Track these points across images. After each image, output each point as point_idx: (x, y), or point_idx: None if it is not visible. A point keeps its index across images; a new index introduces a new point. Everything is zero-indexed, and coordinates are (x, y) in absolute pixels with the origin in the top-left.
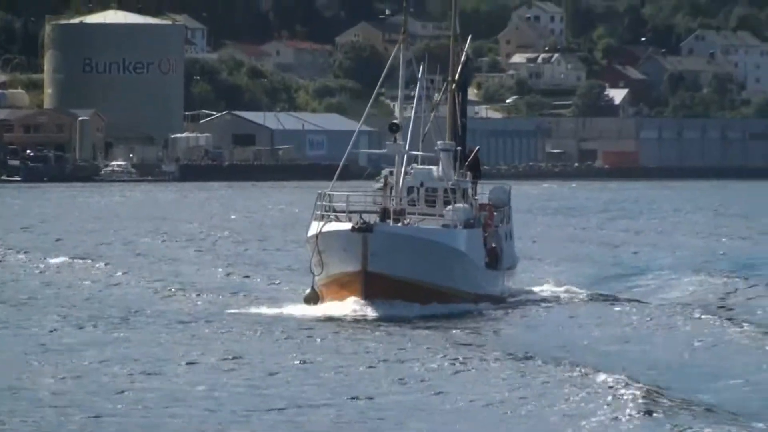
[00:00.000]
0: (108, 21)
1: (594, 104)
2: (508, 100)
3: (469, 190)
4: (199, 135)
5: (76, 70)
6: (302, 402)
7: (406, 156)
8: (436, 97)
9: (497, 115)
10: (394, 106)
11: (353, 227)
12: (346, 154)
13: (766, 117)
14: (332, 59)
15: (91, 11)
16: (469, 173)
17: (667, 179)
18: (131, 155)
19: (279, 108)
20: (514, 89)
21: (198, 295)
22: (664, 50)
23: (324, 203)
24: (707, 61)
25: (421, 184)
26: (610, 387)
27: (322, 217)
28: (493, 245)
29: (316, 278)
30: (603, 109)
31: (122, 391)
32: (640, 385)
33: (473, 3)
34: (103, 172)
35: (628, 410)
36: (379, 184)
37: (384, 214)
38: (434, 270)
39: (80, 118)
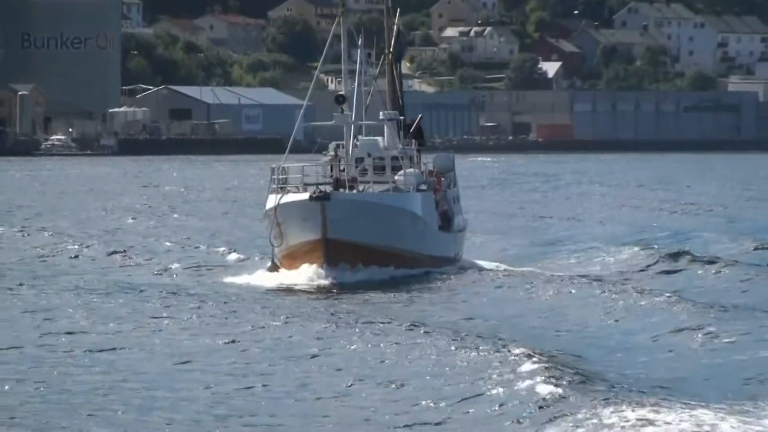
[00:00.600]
0: None
1: (527, 78)
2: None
3: (415, 158)
4: (136, 109)
5: (14, 46)
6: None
7: (353, 126)
8: (372, 70)
9: (430, 89)
10: (328, 80)
11: (311, 196)
12: (296, 127)
13: (700, 89)
14: (265, 33)
15: None
16: (413, 141)
17: (601, 152)
18: (71, 129)
19: (215, 83)
20: (447, 63)
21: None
22: (596, 23)
23: (279, 176)
24: (640, 33)
25: (368, 155)
26: (510, 358)
27: (278, 190)
28: (445, 208)
29: (276, 250)
30: (536, 82)
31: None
32: (542, 356)
33: None
34: (43, 146)
35: (527, 382)
36: (328, 157)
37: (337, 183)
38: (392, 233)
39: (20, 93)
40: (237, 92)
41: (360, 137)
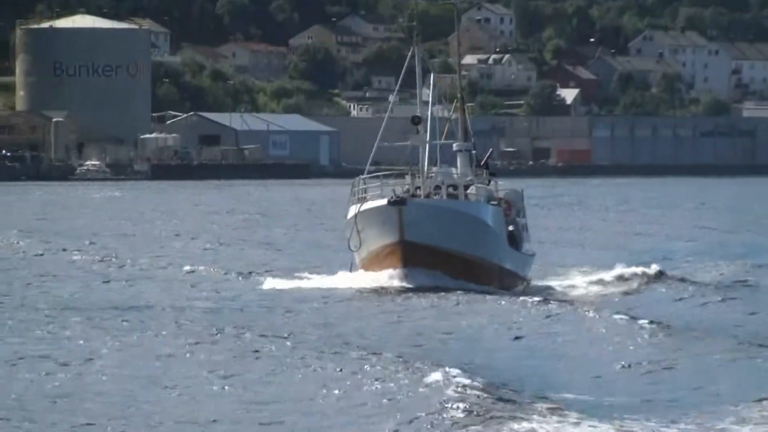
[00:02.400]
0: (77, 26)
1: (546, 104)
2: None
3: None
4: (167, 135)
5: (47, 74)
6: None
7: (427, 147)
8: (390, 98)
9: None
10: (350, 106)
11: (389, 201)
12: (374, 148)
13: (715, 115)
14: (287, 61)
15: (57, 16)
16: (485, 172)
17: (619, 176)
18: (104, 155)
19: (242, 109)
20: (466, 90)
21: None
22: (613, 51)
23: (360, 188)
24: (656, 60)
25: (443, 182)
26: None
27: (358, 201)
28: (512, 229)
29: (356, 257)
30: (555, 108)
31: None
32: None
33: (423, 5)
34: (78, 171)
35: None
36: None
37: (413, 196)
38: (464, 238)
39: (55, 120)
40: (264, 119)
41: (434, 168)
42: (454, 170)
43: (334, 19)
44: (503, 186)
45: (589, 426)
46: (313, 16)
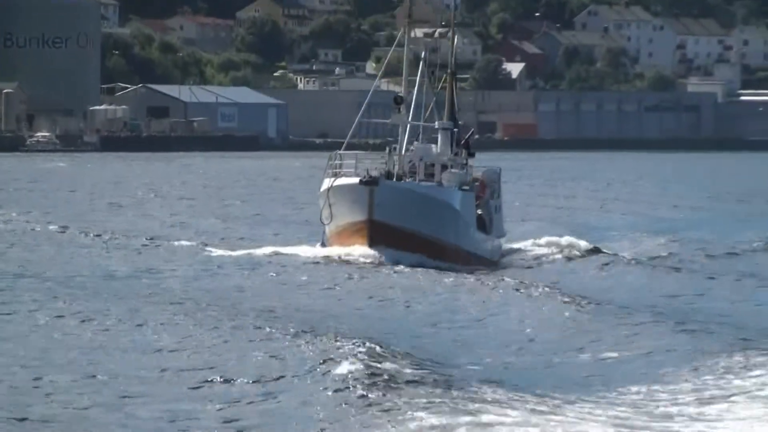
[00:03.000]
0: None
1: (492, 78)
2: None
3: (465, 167)
4: (116, 107)
5: None
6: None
7: (408, 127)
8: (337, 70)
9: (397, 89)
10: (297, 79)
11: (361, 180)
12: (354, 124)
13: (659, 90)
14: (234, 34)
15: None
16: (464, 152)
17: (564, 150)
18: (54, 126)
19: (191, 81)
20: (413, 63)
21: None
22: (558, 25)
23: (335, 162)
24: (601, 35)
25: (421, 159)
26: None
27: (332, 175)
28: (480, 213)
29: (326, 229)
30: (501, 82)
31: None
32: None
33: None
34: (28, 143)
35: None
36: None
37: (387, 175)
38: (431, 223)
39: (5, 91)
40: (213, 91)
41: (415, 143)
42: (433, 147)
43: None
44: (481, 165)
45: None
46: None
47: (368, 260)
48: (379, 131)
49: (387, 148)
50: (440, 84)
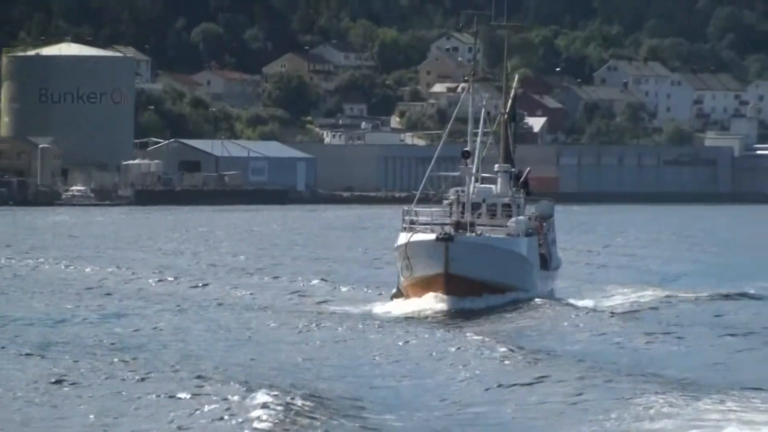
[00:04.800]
0: (63, 53)
1: (514, 132)
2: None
3: (522, 205)
4: (150, 162)
5: (32, 100)
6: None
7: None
8: (363, 124)
9: (421, 143)
10: (323, 133)
11: (437, 237)
12: (425, 177)
13: (677, 144)
14: (260, 89)
15: (43, 44)
16: (522, 190)
17: (586, 203)
18: (89, 180)
19: (222, 136)
20: (435, 117)
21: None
22: (578, 80)
23: (410, 218)
24: (620, 90)
25: (483, 201)
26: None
27: (408, 229)
28: (543, 251)
29: (402, 280)
30: (522, 136)
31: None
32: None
33: (393, 34)
34: (63, 196)
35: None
36: (449, 201)
37: (458, 226)
38: (503, 272)
39: (41, 146)
40: (244, 145)
41: (477, 185)
42: (493, 188)
43: (306, 48)
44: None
45: None
46: (286, 44)
47: (444, 310)
48: (405, 183)
49: (455, 195)
50: (495, 125)
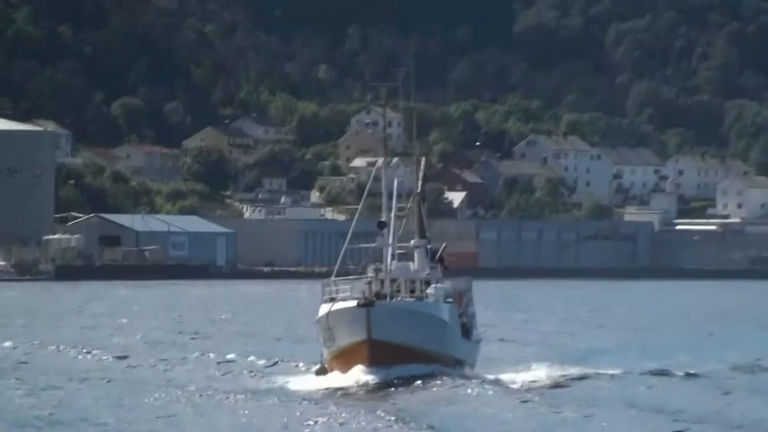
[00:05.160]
0: None
1: (434, 207)
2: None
3: (440, 280)
4: (70, 236)
5: None
6: None
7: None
8: (282, 199)
9: (341, 217)
10: (243, 207)
11: (358, 303)
12: (342, 251)
13: (597, 219)
14: (180, 163)
15: None
16: (439, 266)
17: (505, 279)
18: (10, 255)
19: (142, 210)
20: (356, 192)
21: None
22: (498, 154)
23: (330, 289)
24: (540, 165)
25: (402, 277)
26: None
27: (329, 301)
28: (464, 321)
29: (325, 353)
30: (442, 211)
31: None
32: None
33: (312, 107)
34: None
35: None
36: (367, 278)
37: (377, 296)
38: (425, 336)
39: None
40: (164, 220)
41: (394, 262)
42: (411, 264)
43: (226, 121)
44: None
45: None
46: (206, 118)
47: (367, 381)
48: (325, 258)
49: (374, 271)
50: (409, 204)
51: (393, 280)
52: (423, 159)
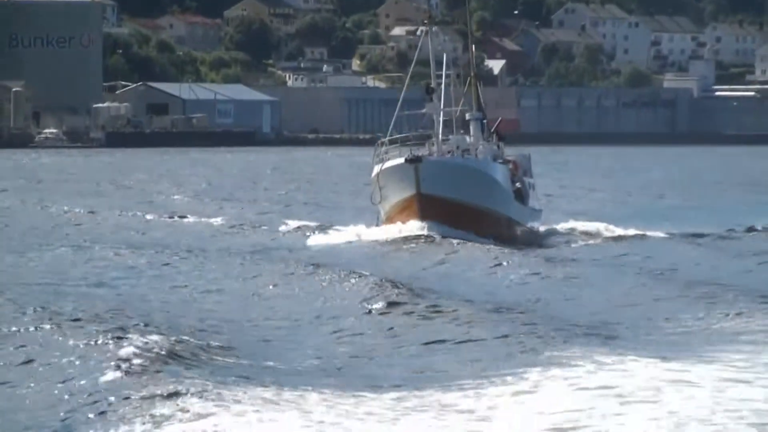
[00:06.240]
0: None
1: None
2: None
3: (498, 152)
4: (119, 105)
5: (2, 45)
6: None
7: (441, 114)
8: (324, 68)
9: (382, 85)
10: (287, 76)
11: (406, 159)
12: (394, 118)
13: (636, 86)
14: (222, 33)
15: None
16: (495, 137)
17: (546, 144)
18: (61, 123)
19: (188, 79)
20: (395, 60)
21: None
22: (537, 23)
23: (383, 149)
24: (578, 33)
25: (457, 148)
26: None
27: (380, 161)
28: (519, 186)
29: (381, 213)
30: (483, 79)
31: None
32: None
33: None
34: (36, 139)
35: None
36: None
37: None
38: (474, 191)
39: (14, 89)
40: (210, 88)
41: (451, 135)
42: (467, 137)
43: None
44: (512, 152)
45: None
46: None
47: (421, 233)
48: (368, 126)
49: (430, 136)
50: (466, 85)
51: (449, 152)
52: (473, 40)
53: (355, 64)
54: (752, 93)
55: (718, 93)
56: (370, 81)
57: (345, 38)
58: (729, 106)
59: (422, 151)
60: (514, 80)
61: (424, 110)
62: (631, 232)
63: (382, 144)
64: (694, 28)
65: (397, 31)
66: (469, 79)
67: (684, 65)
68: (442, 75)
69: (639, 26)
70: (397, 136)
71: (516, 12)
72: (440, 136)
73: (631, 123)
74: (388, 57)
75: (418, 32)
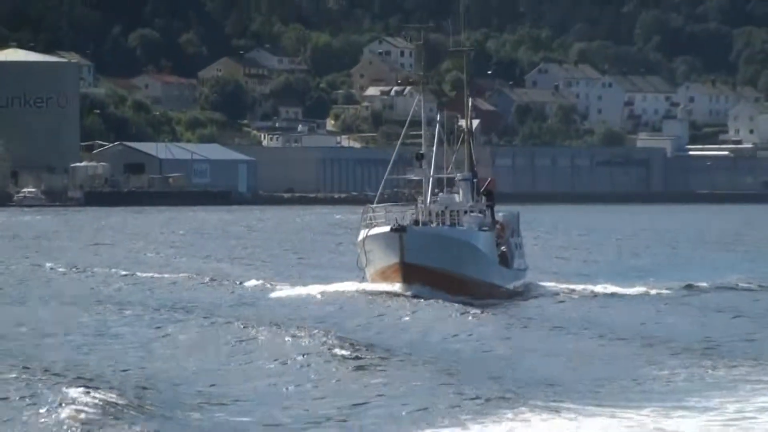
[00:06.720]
0: (8, 59)
1: (448, 134)
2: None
3: (486, 212)
4: (97, 164)
5: None
6: None
7: (430, 180)
8: (299, 127)
9: (356, 145)
10: (262, 135)
11: (392, 228)
12: (383, 181)
13: (609, 146)
14: (197, 93)
15: None
16: (484, 198)
17: (520, 203)
18: (40, 183)
19: (164, 139)
20: (369, 120)
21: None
22: (510, 83)
23: (369, 215)
24: (552, 93)
25: (446, 208)
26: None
27: (367, 226)
28: (504, 250)
29: (366, 273)
30: (456, 139)
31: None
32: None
33: (325, 38)
34: (15, 198)
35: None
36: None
37: (415, 223)
38: (457, 262)
39: None
40: (187, 148)
41: (440, 194)
42: (456, 196)
43: (241, 52)
44: (500, 209)
45: None
46: (220, 49)
47: (403, 293)
48: (343, 185)
49: (417, 200)
50: (459, 141)
51: (438, 213)
52: (470, 100)
53: (330, 123)
54: (725, 152)
55: (691, 152)
56: (345, 141)
57: (319, 98)
58: (703, 166)
59: (410, 213)
60: (488, 140)
61: (413, 175)
62: (599, 289)
63: (369, 209)
64: (668, 87)
65: (371, 91)
66: (462, 135)
67: (657, 125)
68: (430, 137)
69: (612, 86)
70: (384, 204)
71: (489, 72)
72: (428, 201)
73: (605, 182)
74: (362, 117)
75: (392, 92)
